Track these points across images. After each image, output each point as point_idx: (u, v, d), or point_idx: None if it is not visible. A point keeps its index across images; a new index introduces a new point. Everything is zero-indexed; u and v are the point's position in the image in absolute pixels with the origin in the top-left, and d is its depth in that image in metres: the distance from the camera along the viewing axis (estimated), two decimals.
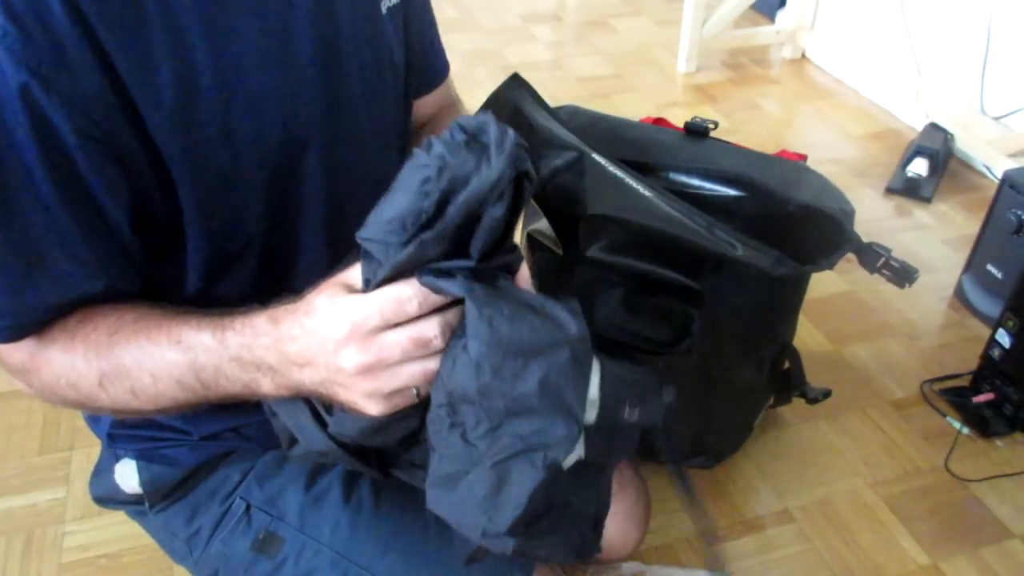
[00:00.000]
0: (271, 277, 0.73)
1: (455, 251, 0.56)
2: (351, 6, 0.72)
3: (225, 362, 0.61)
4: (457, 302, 0.56)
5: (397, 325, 0.55)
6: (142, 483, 0.82)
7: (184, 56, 0.60)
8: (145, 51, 0.58)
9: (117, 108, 0.58)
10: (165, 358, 0.62)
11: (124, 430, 0.81)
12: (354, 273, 0.58)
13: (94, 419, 0.84)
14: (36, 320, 0.63)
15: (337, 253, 0.75)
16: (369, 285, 0.57)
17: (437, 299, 0.56)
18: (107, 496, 0.86)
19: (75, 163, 0.58)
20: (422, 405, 0.59)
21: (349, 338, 0.55)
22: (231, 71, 0.62)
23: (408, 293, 0.55)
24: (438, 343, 0.56)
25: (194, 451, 0.81)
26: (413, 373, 0.57)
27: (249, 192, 0.67)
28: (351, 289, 0.57)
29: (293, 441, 0.68)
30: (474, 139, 0.55)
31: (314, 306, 0.58)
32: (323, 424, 0.63)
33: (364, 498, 0.81)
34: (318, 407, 0.63)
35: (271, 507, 0.81)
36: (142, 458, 0.82)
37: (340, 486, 0.81)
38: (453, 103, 0.98)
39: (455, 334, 0.57)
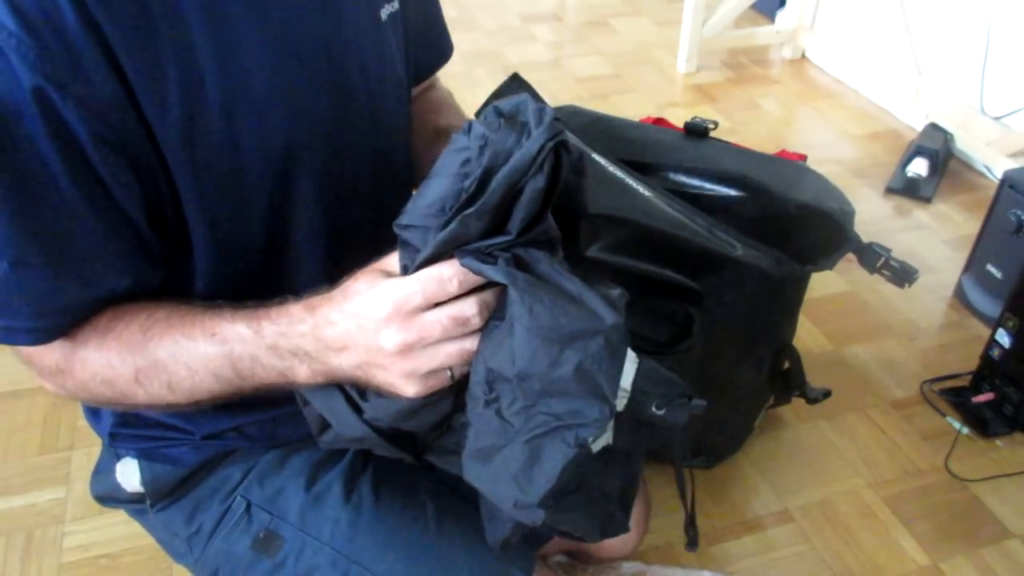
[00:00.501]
0: (272, 282, 0.73)
1: (494, 229, 0.57)
2: (355, 15, 0.72)
3: (262, 351, 0.62)
4: (494, 282, 0.58)
5: (436, 305, 0.57)
6: (143, 482, 0.82)
7: (190, 64, 0.60)
8: (153, 59, 0.58)
9: (129, 113, 0.58)
10: (201, 351, 0.63)
11: (126, 429, 0.81)
12: (391, 261, 0.60)
13: (95, 418, 0.84)
14: (68, 321, 0.64)
15: (335, 259, 0.76)
16: (408, 271, 0.58)
17: (476, 279, 0.57)
18: (108, 495, 0.86)
19: (93, 164, 0.58)
20: (455, 389, 0.61)
21: (391, 317, 0.56)
22: (236, 79, 0.63)
23: (449, 273, 0.56)
24: (476, 322, 0.58)
25: (196, 450, 0.81)
26: (450, 353, 0.58)
27: (251, 198, 0.68)
28: (389, 275, 0.59)
29: (323, 428, 0.69)
30: (512, 119, 0.57)
31: (353, 291, 0.59)
32: (357, 410, 0.64)
33: (364, 497, 0.81)
34: (352, 394, 0.64)
35: (271, 506, 0.81)
36: (144, 457, 0.82)
37: (340, 485, 0.81)
38: (434, 85, 0.99)
39: (493, 314, 0.58)
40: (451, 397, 0.62)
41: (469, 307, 0.57)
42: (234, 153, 0.64)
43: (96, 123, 0.57)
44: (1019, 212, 1.56)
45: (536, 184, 0.55)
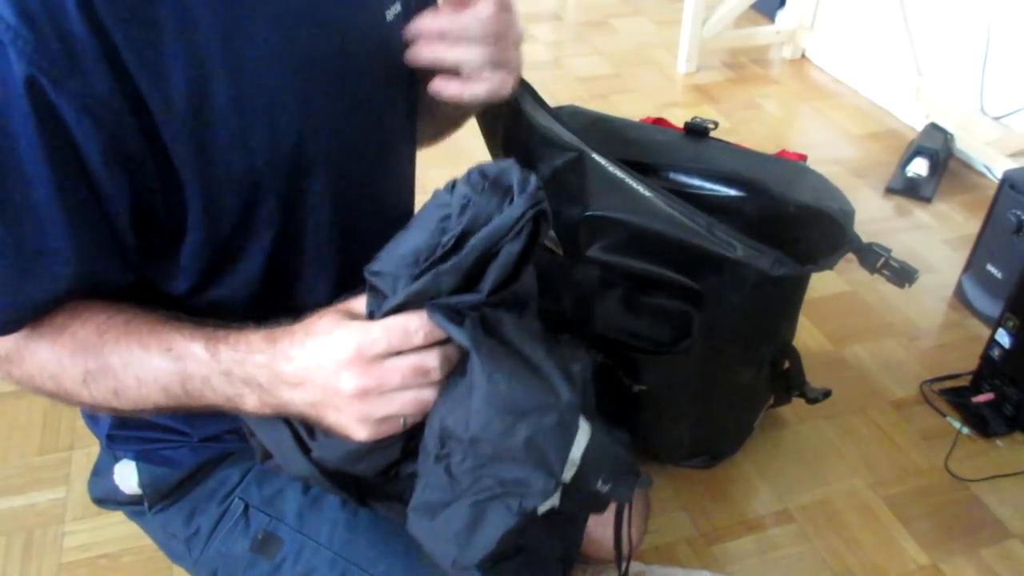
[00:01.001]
0: (272, 285, 0.73)
1: (465, 285, 0.58)
2: (364, 14, 0.72)
3: (215, 375, 0.61)
4: None
5: (399, 353, 0.57)
6: (141, 484, 0.82)
7: (197, 61, 0.60)
8: (158, 55, 0.58)
9: (127, 111, 0.58)
10: (153, 364, 0.62)
11: (124, 431, 0.81)
12: (357, 304, 0.60)
13: (94, 420, 0.84)
14: (25, 316, 0.63)
15: (343, 262, 0.76)
16: (374, 316, 0.59)
17: (441, 333, 0.57)
18: (106, 497, 0.86)
19: (80, 156, 0.58)
20: (405, 436, 0.62)
21: (352, 361, 0.57)
22: (246, 76, 0.62)
23: (415, 325, 0.57)
24: (437, 376, 0.58)
25: (194, 452, 0.81)
26: (406, 401, 0.58)
27: (259, 197, 0.67)
28: (355, 317, 0.59)
29: (268, 455, 0.69)
30: (496, 183, 0.58)
31: (317, 329, 0.59)
32: (304, 448, 0.65)
33: None
34: (300, 431, 0.65)
35: (270, 507, 0.81)
36: (141, 459, 0.82)
37: None
38: None
39: (454, 370, 0.59)
40: (400, 444, 0.63)
41: (432, 360, 0.58)
42: (244, 151, 0.64)
43: (90, 119, 0.56)
44: (1019, 212, 1.56)
45: (512, 249, 0.57)
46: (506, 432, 0.57)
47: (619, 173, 1.06)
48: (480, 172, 0.59)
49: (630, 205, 1.04)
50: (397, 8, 0.77)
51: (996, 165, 2.01)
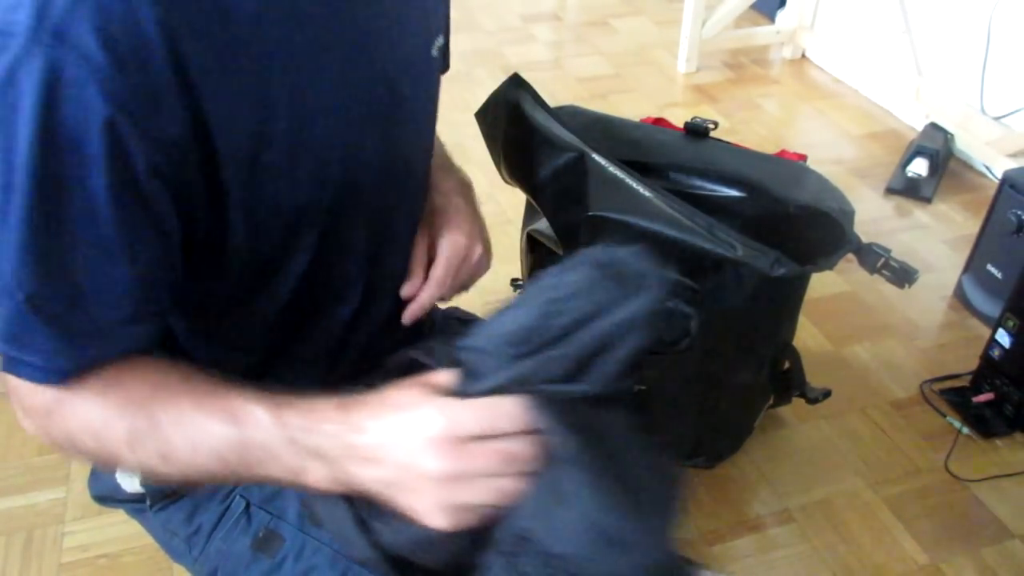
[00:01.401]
0: (296, 307, 0.74)
1: (572, 371, 0.53)
2: (415, 55, 0.73)
3: (278, 442, 0.56)
4: None
5: (488, 438, 0.52)
6: (143, 482, 0.82)
7: (265, 104, 0.59)
8: (233, 99, 0.57)
9: (193, 151, 0.57)
10: (209, 428, 0.57)
11: None
12: (441, 378, 0.55)
13: None
14: (79, 366, 0.59)
15: (371, 283, 0.77)
16: (465, 394, 0.54)
17: (536, 421, 0.52)
18: (107, 495, 0.86)
19: (142, 198, 0.56)
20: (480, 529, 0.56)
21: (439, 440, 0.52)
22: (304, 118, 0.62)
23: (513, 412, 0.52)
24: (528, 466, 0.52)
25: None
26: (493, 490, 0.53)
27: (300, 229, 0.68)
28: (439, 392, 0.54)
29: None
30: (618, 270, 0.54)
31: (398, 401, 0.54)
32: (365, 528, 0.59)
33: None
34: (362, 512, 0.59)
35: (270, 505, 0.81)
36: None
37: None
38: None
39: (547, 464, 0.53)
40: (471, 537, 0.56)
41: (525, 448, 0.52)
42: (292, 191, 0.64)
43: (156, 156, 0.55)
44: (1019, 212, 1.56)
45: (633, 343, 0.52)
46: (594, 559, 0.51)
47: (619, 173, 1.06)
48: (602, 256, 0.54)
49: (630, 205, 1.04)
50: (440, 40, 0.77)
51: (996, 165, 2.02)
